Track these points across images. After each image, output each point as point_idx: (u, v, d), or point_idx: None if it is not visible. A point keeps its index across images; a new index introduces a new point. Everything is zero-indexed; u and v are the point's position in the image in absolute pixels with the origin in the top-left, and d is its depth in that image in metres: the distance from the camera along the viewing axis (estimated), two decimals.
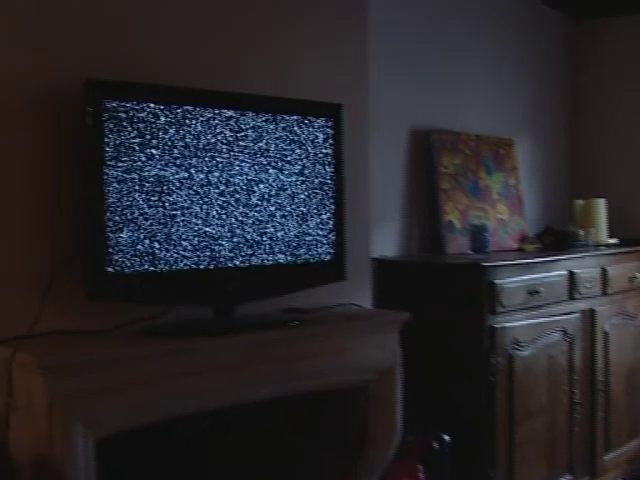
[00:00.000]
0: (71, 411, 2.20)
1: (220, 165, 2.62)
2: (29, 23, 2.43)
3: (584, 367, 3.95)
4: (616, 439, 4.18)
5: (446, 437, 3.26)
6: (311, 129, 2.87)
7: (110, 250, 2.39)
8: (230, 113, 2.66)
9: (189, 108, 2.56)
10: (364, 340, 2.89)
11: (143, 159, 2.46)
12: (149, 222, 2.48)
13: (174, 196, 2.53)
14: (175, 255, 2.54)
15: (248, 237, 2.71)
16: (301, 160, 2.85)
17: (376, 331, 2.93)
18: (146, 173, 2.46)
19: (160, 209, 2.50)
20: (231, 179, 2.65)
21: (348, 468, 3.02)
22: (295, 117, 2.82)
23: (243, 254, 2.70)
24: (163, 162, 2.50)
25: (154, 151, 2.48)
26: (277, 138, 2.78)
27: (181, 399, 2.43)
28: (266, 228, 2.76)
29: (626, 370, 4.24)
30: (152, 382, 2.36)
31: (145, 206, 2.46)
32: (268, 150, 2.75)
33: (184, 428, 2.78)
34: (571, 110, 5.11)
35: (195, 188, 2.57)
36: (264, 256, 2.76)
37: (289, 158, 2.81)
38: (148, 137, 2.47)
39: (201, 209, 2.59)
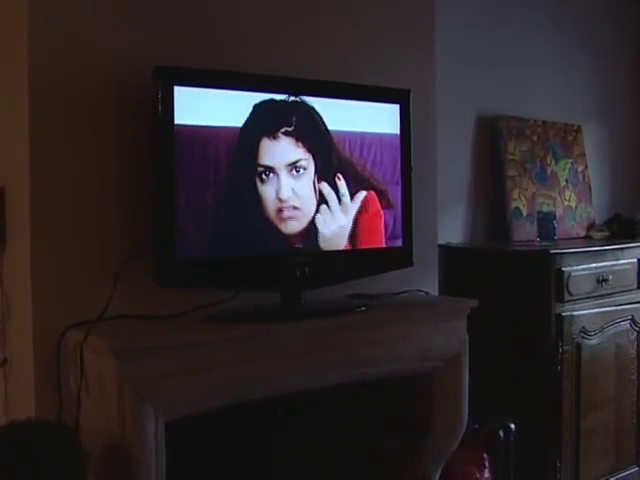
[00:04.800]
0: (141, 394, 2.22)
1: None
2: (101, 12, 2.46)
3: None
4: None
5: (512, 426, 3.24)
6: (379, 115, 2.86)
7: (179, 236, 2.41)
8: (299, 99, 2.66)
9: (257, 94, 2.57)
10: (431, 327, 2.87)
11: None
12: (219, 208, 2.49)
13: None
14: (244, 241, 2.55)
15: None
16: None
17: (443, 318, 2.91)
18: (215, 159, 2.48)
19: (230, 195, 2.51)
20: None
21: (413, 455, 3.01)
22: (364, 103, 2.81)
23: (312, 240, 2.71)
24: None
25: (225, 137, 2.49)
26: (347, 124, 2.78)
27: (249, 384, 2.45)
28: None
29: None
30: (220, 367, 2.38)
31: (215, 192, 2.48)
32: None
33: (254, 412, 2.78)
34: None
35: (267, 178, 2.58)
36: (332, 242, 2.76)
37: None
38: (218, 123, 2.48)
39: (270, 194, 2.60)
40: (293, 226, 2.66)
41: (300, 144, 2.65)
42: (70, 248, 2.41)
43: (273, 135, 2.59)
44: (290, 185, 2.63)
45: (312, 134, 2.69)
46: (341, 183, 2.75)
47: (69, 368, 2.37)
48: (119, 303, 2.44)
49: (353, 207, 2.80)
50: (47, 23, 2.36)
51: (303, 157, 2.66)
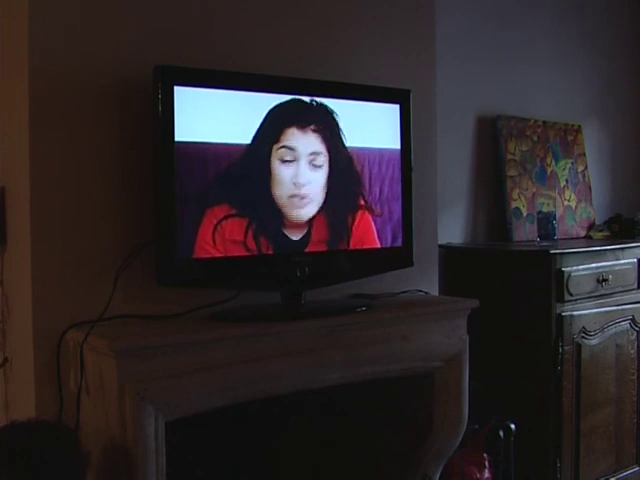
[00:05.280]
0: (142, 394, 2.22)
1: (291, 152, 2.63)
2: (100, 11, 2.46)
3: None
4: None
5: (512, 425, 3.24)
6: (379, 115, 2.86)
7: (182, 237, 2.41)
8: (298, 98, 2.66)
9: (259, 94, 2.57)
10: (431, 327, 2.87)
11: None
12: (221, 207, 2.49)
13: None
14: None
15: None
16: None
17: (443, 318, 2.91)
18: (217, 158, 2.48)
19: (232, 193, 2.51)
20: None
21: (414, 455, 3.01)
22: (364, 102, 2.82)
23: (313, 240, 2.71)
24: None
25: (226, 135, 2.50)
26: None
27: (250, 384, 2.44)
28: None
29: None
30: (222, 366, 2.37)
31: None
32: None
33: (254, 412, 2.78)
34: None
35: (265, 173, 2.58)
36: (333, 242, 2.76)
37: None
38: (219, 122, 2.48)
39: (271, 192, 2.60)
40: (302, 214, 2.66)
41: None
42: (70, 248, 2.41)
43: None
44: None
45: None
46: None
47: (69, 368, 2.38)
48: (120, 303, 2.44)
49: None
50: (47, 22, 2.36)
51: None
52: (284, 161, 2.59)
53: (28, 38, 2.34)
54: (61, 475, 2.10)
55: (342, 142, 2.75)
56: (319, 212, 2.70)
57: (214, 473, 2.85)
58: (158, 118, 2.38)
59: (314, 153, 2.66)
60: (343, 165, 2.75)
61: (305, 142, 2.64)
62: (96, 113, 2.45)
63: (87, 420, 2.33)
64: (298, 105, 2.65)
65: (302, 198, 2.64)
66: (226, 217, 2.49)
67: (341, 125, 2.74)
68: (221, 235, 2.49)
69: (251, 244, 2.55)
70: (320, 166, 2.68)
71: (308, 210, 2.67)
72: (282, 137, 2.59)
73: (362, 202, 2.81)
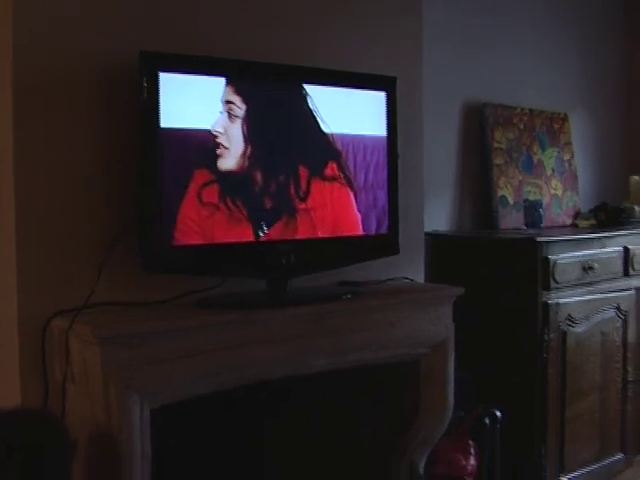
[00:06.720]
0: (127, 381, 2.22)
1: (274, 138, 2.62)
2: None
3: (637, 344, 3.90)
4: None
5: (497, 413, 3.25)
6: (365, 102, 2.86)
7: (166, 221, 2.40)
8: (284, 85, 2.66)
9: (244, 81, 2.56)
10: (416, 314, 2.88)
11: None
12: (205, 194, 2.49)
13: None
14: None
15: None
16: None
17: (429, 305, 2.92)
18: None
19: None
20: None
21: (399, 442, 3.02)
22: (350, 90, 2.81)
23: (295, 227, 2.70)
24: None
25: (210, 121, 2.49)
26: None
27: (235, 371, 2.45)
28: None
29: None
30: (207, 353, 2.37)
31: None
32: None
33: (240, 399, 2.78)
34: (627, 83, 5.00)
35: (252, 160, 2.57)
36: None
37: None
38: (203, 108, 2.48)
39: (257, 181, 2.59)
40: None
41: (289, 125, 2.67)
42: (55, 235, 2.40)
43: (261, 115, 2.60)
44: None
45: (302, 119, 2.70)
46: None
47: (54, 356, 2.37)
48: (105, 290, 2.43)
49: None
50: (31, 9, 2.34)
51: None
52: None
53: (12, 25, 2.31)
54: (47, 463, 2.10)
55: (319, 127, 2.73)
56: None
57: (200, 460, 2.85)
58: (143, 104, 2.37)
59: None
60: (323, 148, 2.75)
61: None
62: (80, 99, 2.43)
63: (73, 408, 2.32)
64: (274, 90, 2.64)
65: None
66: (211, 205, 2.49)
67: (319, 110, 2.72)
68: (206, 221, 2.48)
69: (237, 233, 2.55)
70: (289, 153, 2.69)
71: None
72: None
73: (340, 174, 2.80)
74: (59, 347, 2.34)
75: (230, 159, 2.53)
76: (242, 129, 2.54)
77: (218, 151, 2.49)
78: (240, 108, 2.54)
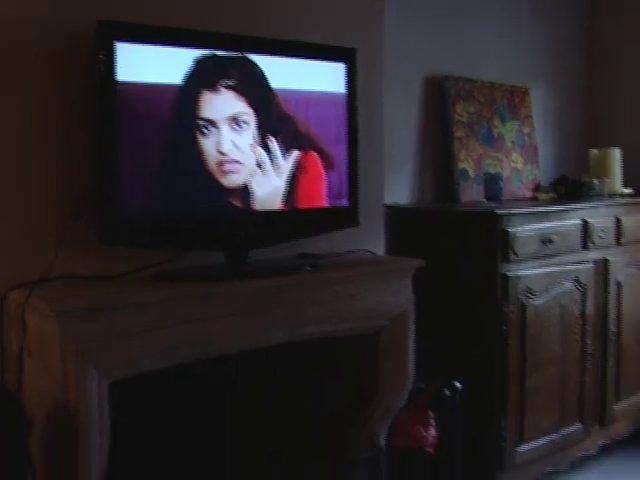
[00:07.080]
0: (84, 355, 2.21)
1: (233, 109, 2.60)
2: None
3: (596, 317, 3.93)
4: (626, 389, 4.17)
5: (457, 384, 3.26)
6: (325, 73, 2.84)
7: (123, 193, 2.38)
8: (242, 56, 2.63)
9: (201, 51, 2.54)
10: (377, 286, 2.88)
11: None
12: (162, 165, 2.46)
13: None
14: (189, 199, 2.53)
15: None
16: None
17: (389, 277, 2.92)
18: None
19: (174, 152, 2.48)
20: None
21: (360, 415, 3.03)
22: (309, 61, 2.79)
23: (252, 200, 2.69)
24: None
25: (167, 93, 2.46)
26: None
27: (194, 344, 2.44)
28: None
29: (638, 320, 4.21)
30: (165, 327, 2.36)
31: (159, 150, 2.45)
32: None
33: (199, 373, 2.77)
34: (588, 57, 5.01)
35: (208, 132, 2.55)
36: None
37: None
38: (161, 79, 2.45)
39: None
40: (234, 179, 2.63)
41: (242, 98, 2.62)
42: (13, 207, 2.37)
43: (213, 87, 2.56)
44: (231, 139, 2.60)
45: (254, 90, 2.67)
46: (274, 145, 2.72)
47: (11, 330, 2.35)
48: (64, 263, 2.42)
49: (287, 167, 2.77)
50: None
51: (245, 112, 2.63)
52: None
53: None
54: (3, 439, 2.08)
55: (270, 95, 2.70)
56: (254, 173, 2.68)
57: (160, 434, 2.84)
58: (100, 73, 2.34)
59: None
60: (276, 122, 2.72)
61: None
62: (37, 68, 2.40)
63: (30, 382, 2.31)
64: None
65: (232, 163, 2.61)
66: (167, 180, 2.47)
67: (270, 80, 2.70)
68: (163, 193, 2.46)
69: (194, 203, 2.54)
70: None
71: (240, 176, 2.64)
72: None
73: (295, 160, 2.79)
74: (16, 321, 2.32)
75: None
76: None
77: None
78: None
